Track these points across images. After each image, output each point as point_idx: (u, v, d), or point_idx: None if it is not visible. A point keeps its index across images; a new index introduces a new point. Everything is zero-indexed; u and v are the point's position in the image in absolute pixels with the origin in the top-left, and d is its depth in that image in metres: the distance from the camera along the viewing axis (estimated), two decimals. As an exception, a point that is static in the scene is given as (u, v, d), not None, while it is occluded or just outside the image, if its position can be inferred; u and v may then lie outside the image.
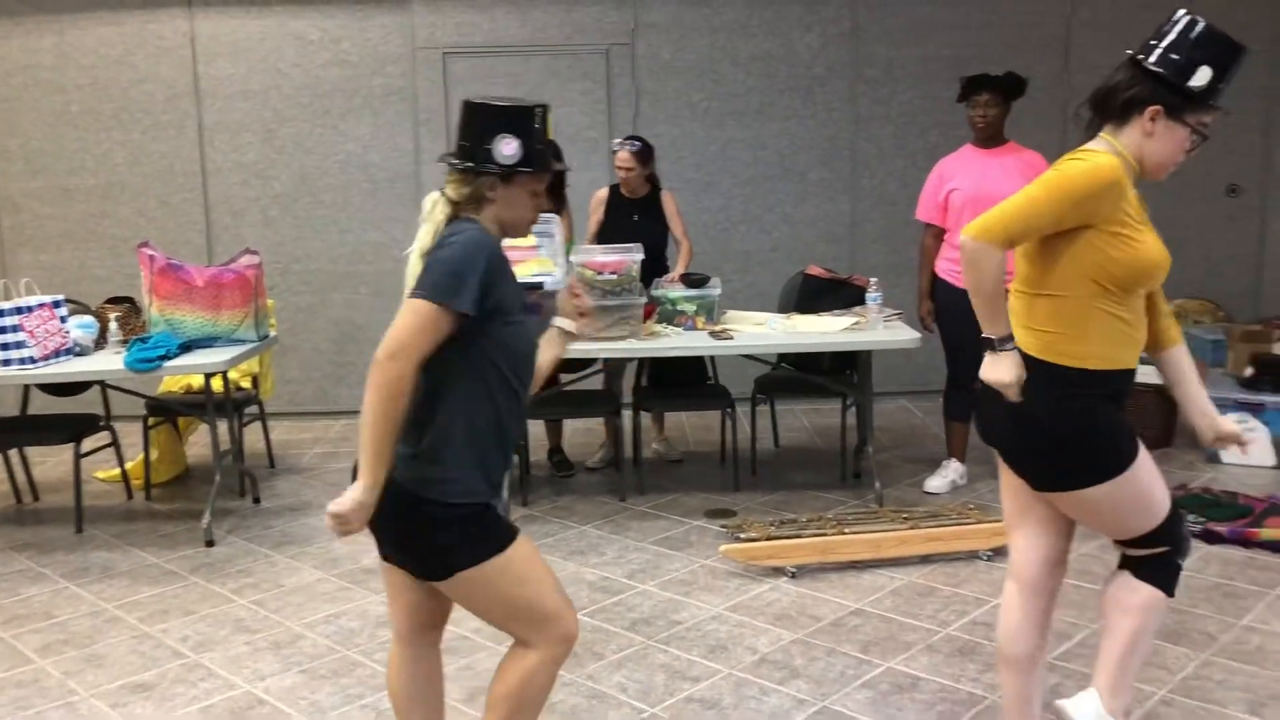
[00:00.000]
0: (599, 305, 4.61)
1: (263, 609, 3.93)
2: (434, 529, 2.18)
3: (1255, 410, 5.22)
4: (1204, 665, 3.28)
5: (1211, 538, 4.28)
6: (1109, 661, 2.50)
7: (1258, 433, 5.22)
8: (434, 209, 2.24)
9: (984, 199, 4.75)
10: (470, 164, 2.20)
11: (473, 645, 3.56)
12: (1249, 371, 5.36)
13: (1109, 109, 2.36)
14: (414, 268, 2.19)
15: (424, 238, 2.22)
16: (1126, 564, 2.51)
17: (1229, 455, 5.29)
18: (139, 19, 6.61)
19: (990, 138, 4.82)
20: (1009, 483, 2.54)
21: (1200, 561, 4.10)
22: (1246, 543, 4.22)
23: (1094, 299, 2.31)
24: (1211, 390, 5.31)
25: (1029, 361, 2.39)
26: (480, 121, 2.20)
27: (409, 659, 2.45)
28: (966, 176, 4.81)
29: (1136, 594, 2.47)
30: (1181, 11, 2.32)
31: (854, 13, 6.66)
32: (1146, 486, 2.39)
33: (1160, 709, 3.03)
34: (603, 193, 5.45)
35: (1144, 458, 2.38)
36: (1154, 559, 2.46)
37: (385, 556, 2.33)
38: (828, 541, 4.12)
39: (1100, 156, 2.27)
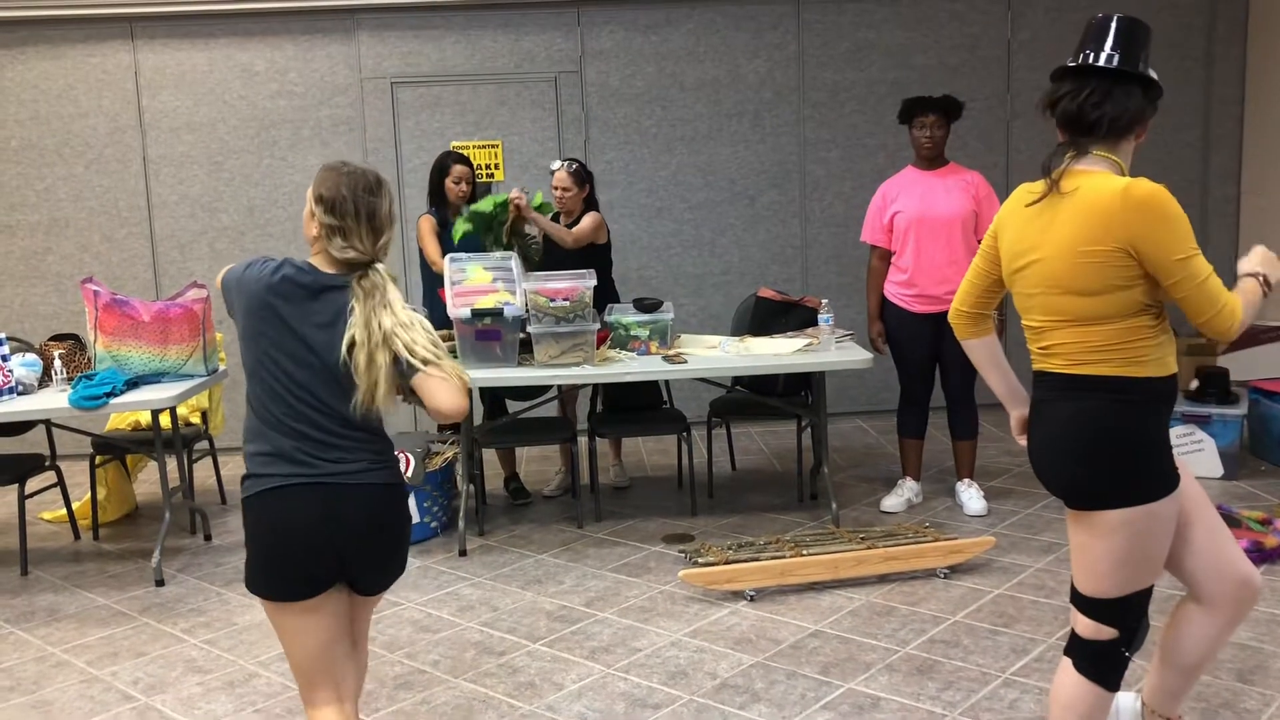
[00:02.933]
0: (551, 332, 4.61)
1: (215, 648, 3.85)
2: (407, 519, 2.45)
3: (1201, 422, 5.31)
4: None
5: (1162, 549, 4.33)
6: None
7: (1204, 445, 5.31)
8: None
9: (928, 220, 4.81)
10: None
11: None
12: (1194, 384, 5.45)
13: (1116, 129, 2.30)
14: None
15: None
16: (1070, 649, 2.42)
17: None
18: (80, 52, 6.54)
19: (934, 159, 4.89)
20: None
21: (1152, 573, 4.14)
22: (1197, 553, 4.28)
23: (1143, 317, 2.26)
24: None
25: (1091, 380, 2.29)
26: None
27: None
28: (910, 198, 4.87)
29: (1076, 689, 2.38)
30: (1118, 15, 2.34)
31: (799, 38, 6.74)
32: (1159, 536, 2.29)
33: (1117, 721, 3.05)
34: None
35: (1175, 507, 2.30)
36: (1097, 648, 2.36)
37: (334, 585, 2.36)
38: (786, 564, 4.13)
39: (1144, 182, 2.22)
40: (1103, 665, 2.36)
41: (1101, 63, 2.30)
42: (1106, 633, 2.35)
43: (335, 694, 2.40)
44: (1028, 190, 2.42)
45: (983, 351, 2.64)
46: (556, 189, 5.23)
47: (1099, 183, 2.24)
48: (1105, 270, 2.23)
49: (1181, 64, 6.78)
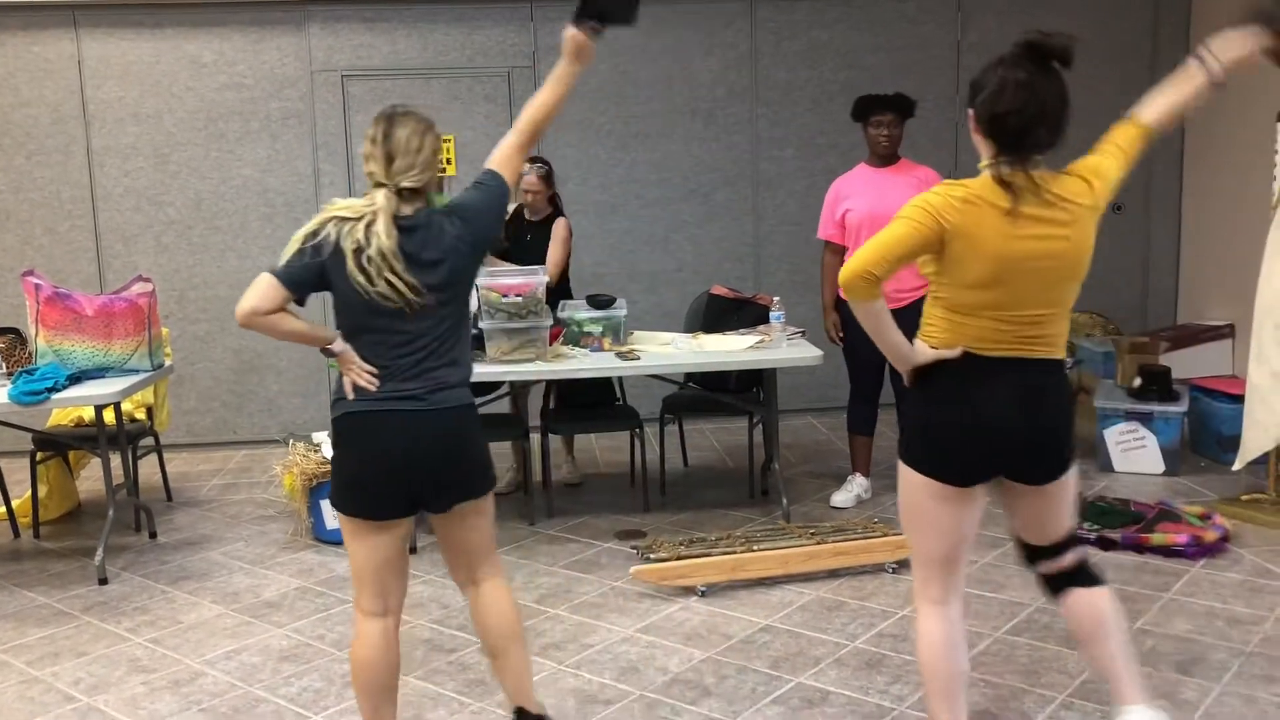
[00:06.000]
0: (504, 328, 4.59)
1: (160, 647, 3.80)
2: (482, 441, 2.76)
3: (1144, 419, 5.41)
4: (1101, 668, 3.38)
5: (1106, 544, 4.41)
6: (1132, 665, 2.67)
7: (1147, 441, 5.40)
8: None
9: (880, 217, 4.84)
10: None
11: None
12: (1137, 382, 5.55)
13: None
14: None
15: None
16: (1084, 579, 2.65)
17: (1121, 464, 5.47)
18: (22, 40, 6.40)
19: (889, 156, 4.92)
20: (968, 509, 2.58)
21: (1096, 567, 4.22)
22: (1139, 548, 4.36)
23: None
24: (1101, 401, 5.53)
25: (1062, 361, 2.58)
26: None
27: (393, 634, 2.74)
28: (862, 196, 4.90)
29: (1112, 599, 2.65)
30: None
31: (752, 37, 6.76)
32: None
33: (1061, 713, 3.11)
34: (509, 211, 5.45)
35: None
36: (1088, 559, 2.68)
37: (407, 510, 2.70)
38: (737, 559, 4.15)
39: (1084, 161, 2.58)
40: (1096, 572, 2.70)
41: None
42: (1079, 552, 2.69)
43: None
44: (977, 194, 2.42)
45: (881, 311, 2.56)
46: (527, 192, 5.24)
47: (1078, 185, 2.46)
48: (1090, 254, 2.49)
49: (1125, 68, 6.89)
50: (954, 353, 2.51)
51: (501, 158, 2.76)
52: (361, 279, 2.51)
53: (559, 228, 5.27)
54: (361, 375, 2.59)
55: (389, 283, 2.51)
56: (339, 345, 2.63)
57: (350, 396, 2.61)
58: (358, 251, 2.51)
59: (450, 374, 2.65)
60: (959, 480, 2.53)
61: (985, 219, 2.41)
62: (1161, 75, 2.77)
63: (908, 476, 2.60)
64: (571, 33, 2.88)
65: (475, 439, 2.74)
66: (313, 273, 2.56)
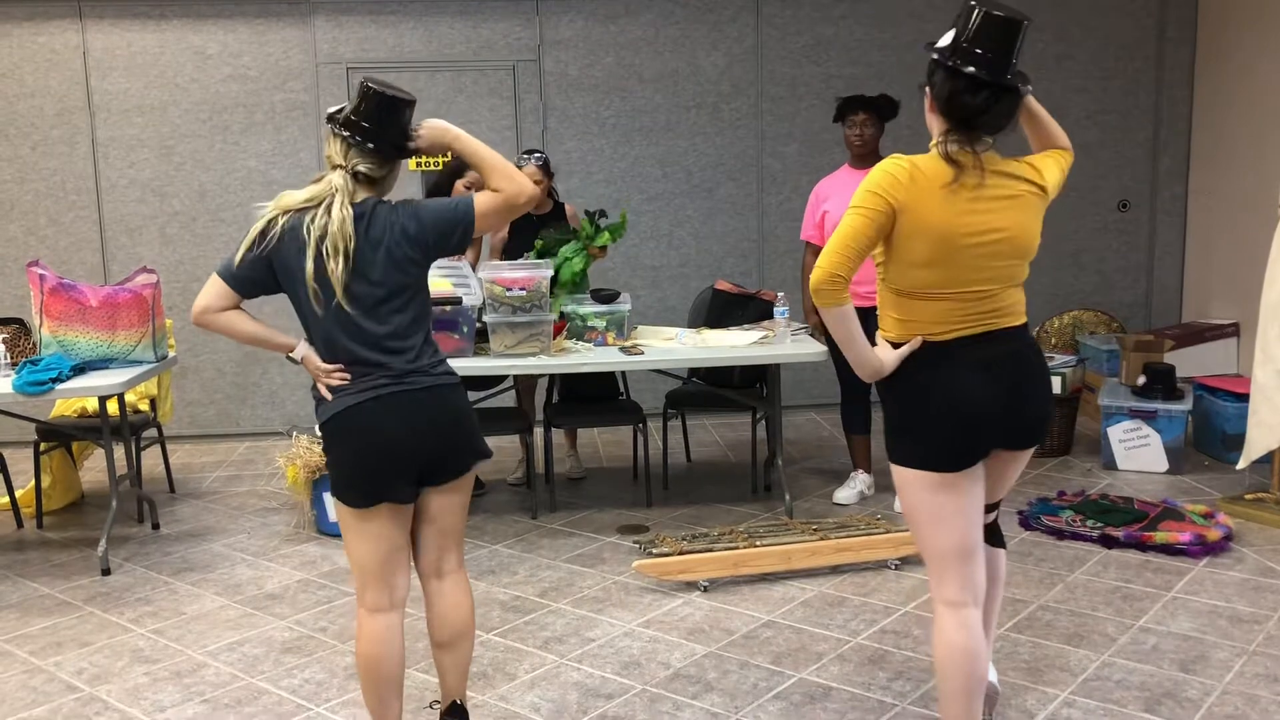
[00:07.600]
0: (508, 322, 4.59)
1: (162, 638, 3.80)
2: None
3: (1148, 417, 5.40)
4: (1104, 666, 3.38)
5: (1109, 542, 4.41)
6: (992, 630, 2.90)
7: (1150, 439, 5.40)
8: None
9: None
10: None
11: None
12: (1141, 380, 5.54)
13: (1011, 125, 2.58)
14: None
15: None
16: (998, 538, 2.86)
17: (1124, 462, 5.46)
18: (27, 30, 6.40)
19: (865, 156, 4.89)
20: (968, 492, 2.54)
21: (1099, 565, 4.22)
22: (1142, 546, 4.36)
23: None
24: (1105, 399, 5.52)
25: (1027, 326, 2.62)
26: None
27: (398, 627, 2.67)
28: (839, 198, 4.88)
29: (1004, 559, 2.92)
30: (1009, 18, 2.51)
31: (758, 32, 6.75)
32: None
33: (1062, 710, 3.10)
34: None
35: None
36: (998, 524, 2.87)
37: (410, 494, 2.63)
38: (739, 554, 4.14)
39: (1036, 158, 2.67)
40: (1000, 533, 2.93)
41: (1009, 79, 2.46)
42: (997, 510, 2.87)
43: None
44: (922, 171, 2.44)
45: (850, 317, 2.48)
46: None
47: (1024, 167, 2.53)
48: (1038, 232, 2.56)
49: (1132, 64, 6.88)
50: (915, 344, 2.51)
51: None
52: (311, 266, 2.48)
53: (573, 218, 5.38)
54: (330, 377, 2.56)
55: (336, 266, 2.46)
56: (300, 351, 2.60)
57: (328, 398, 2.57)
58: (320, 238, 2.47)
59: (406, 366, 2.58)
60: (951, 466, 2.51)
61: (930, 195, 2.42)
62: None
63: (901, 475, 2.58)
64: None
65: (458, 411, 2.65)
66: (258, 269, 2.54)
